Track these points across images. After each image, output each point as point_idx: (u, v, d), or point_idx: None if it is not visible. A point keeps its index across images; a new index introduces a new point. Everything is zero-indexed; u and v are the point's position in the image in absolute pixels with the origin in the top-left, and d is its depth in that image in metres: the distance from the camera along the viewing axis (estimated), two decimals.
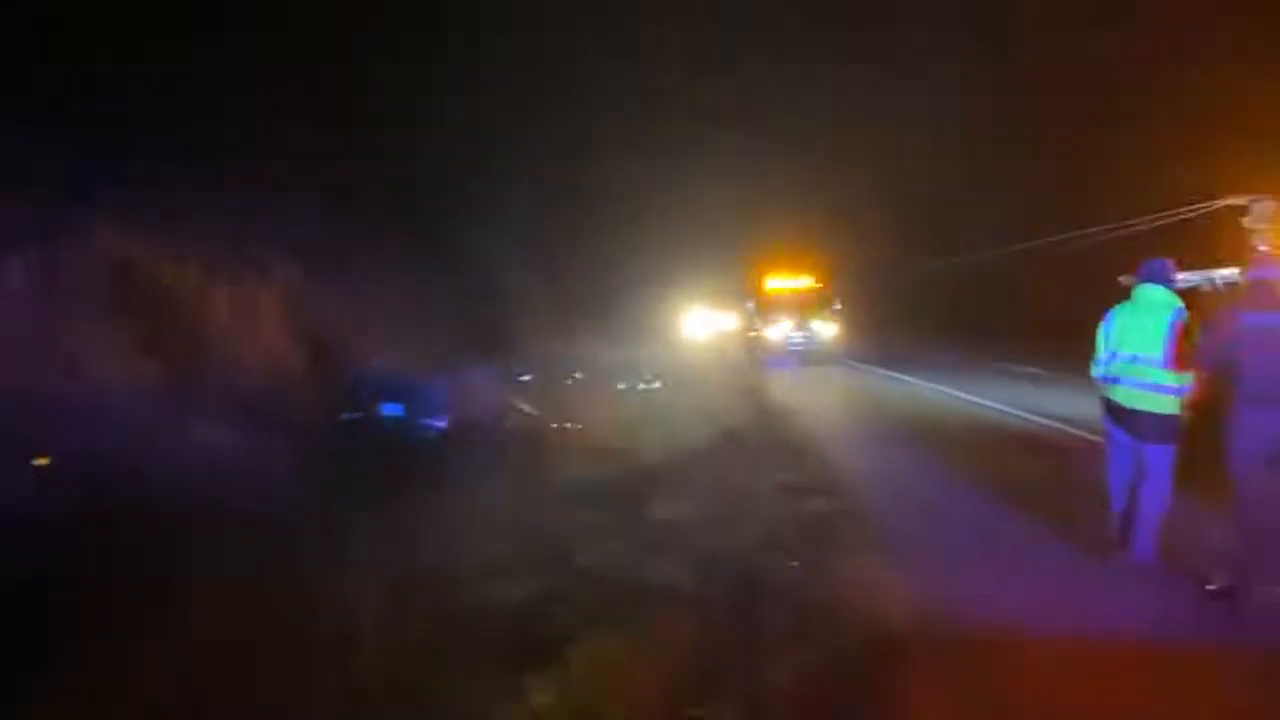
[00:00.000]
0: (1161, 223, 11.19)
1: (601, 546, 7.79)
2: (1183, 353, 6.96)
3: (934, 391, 20.05)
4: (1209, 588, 6.57)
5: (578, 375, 20.20)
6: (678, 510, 9.02)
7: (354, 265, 16.21)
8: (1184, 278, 8.62)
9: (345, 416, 13.48)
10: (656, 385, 19.55)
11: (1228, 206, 9.81)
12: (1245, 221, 9.41)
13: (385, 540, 7.70)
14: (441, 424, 13.70)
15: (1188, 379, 6.93)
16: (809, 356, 28.39)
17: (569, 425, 14.78)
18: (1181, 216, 10.89)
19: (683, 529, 8.36)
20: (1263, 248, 8.75)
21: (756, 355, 28.52)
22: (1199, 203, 10.44)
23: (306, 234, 15.00)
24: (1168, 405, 7.04)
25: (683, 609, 6.43)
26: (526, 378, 17.55)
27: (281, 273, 14.20)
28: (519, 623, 6.22)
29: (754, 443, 13.36)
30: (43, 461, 10.04)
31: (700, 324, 32.64)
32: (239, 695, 5.30)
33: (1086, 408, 12.78)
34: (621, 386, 19.34)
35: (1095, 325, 7.45)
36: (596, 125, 31.75)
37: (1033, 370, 22.15)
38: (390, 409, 13.59)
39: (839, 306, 29.52)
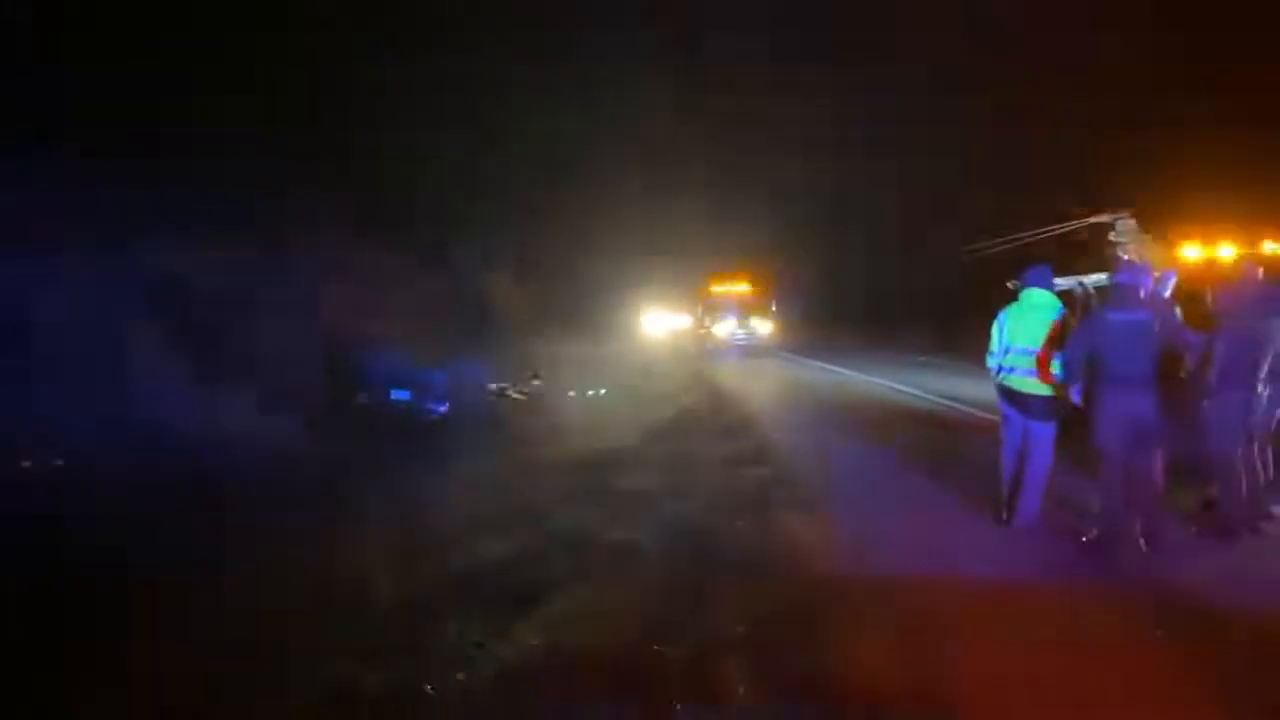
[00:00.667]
0: (1043, 236, 11.37)
1: (574, 509, 7.84)
2: (1051, 345, 7.13)
3: (859, 380, 20.21)
4: (1083, 539, 6.74)
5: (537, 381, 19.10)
6: (640, 479, 9.08)
7: (367, 272, 16.06)
8: (1060, 282, 8.80)
9: (360, 400, 13.42)
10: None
11: (1095, 223, 9.99)
12: (1111, 236, 9.59)
13: (393, 502, 7.73)
14: (443, 408, 13.68)
15: (1055, 367, 7.09)
16: (750, 350, 28.56)
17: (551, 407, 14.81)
18: (1058, 231, 11.06)
19: (645, 494, 8.44)
20: (1125, 257, 8.92)
21: (705, 349, 28.64)
22: (1072, 219, 10.62)
23: (328, 244, 14.90)
24: (1050, 389, 7.20)
25: (644, 560, 6.51)
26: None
27: (307, 276, 14.09)
28: (504, 573, 6.26)
29: (704, 423, 13.45)
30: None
31: (658, 323, 32.69)
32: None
33: (972, 389, 13.02)
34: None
35: (989, 321, 7.59)
36: (571, 151, 31.68)
37: (939, 360, 22.46)
38: (398, 395, 13.48)
39: (774, 307, 29.74)
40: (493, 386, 15.79)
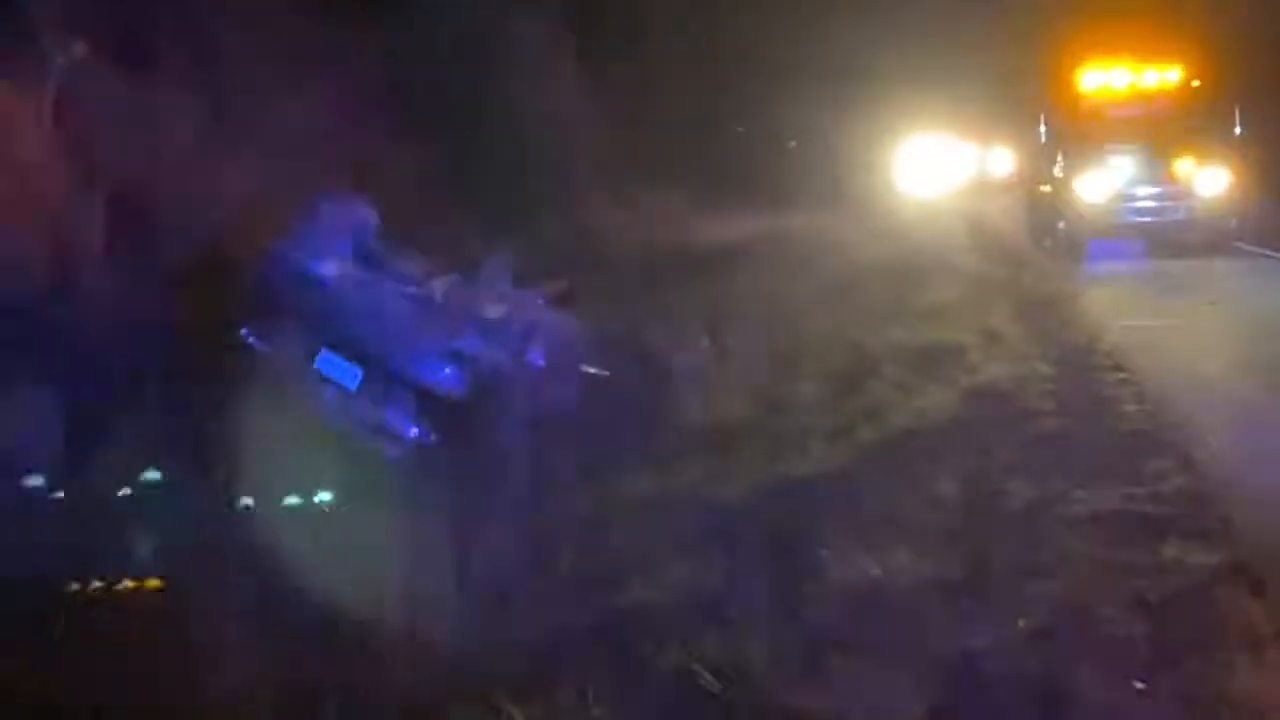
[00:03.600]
0: None
1: None
2: None
3: None
4: None
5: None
6: None
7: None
8: None
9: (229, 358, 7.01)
10: None
11: None
12: None
13: None
14: (413, 431, 5.84)
15: None
16: (1172, 237, 11.30)
17: None
18: None
19: None
20: None
21: (1056, 238, 11.65)
22: None
23: None
24: None
25: None
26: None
27: None
28: None
29: None
30: None
31: (929, 169, 15.09)
32: None
33: None
34: None
35: None
36: None
37: None
38: (333, 369, 6.75)
39: (1239, 131, 11.73)
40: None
